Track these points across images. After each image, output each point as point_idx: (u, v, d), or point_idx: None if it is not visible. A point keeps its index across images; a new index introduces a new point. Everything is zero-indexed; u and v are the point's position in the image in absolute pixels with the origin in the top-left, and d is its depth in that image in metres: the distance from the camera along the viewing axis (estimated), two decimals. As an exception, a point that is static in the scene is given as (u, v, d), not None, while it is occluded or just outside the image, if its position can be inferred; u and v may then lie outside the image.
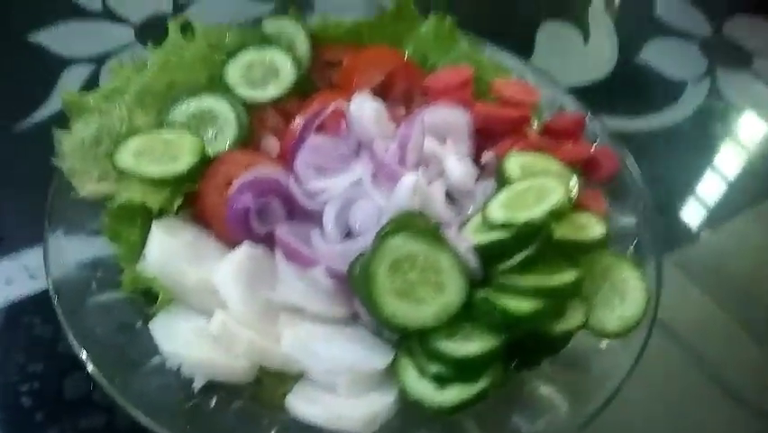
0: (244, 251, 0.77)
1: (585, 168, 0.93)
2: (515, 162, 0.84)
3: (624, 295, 0.78)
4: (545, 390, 0.74)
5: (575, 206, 0.82)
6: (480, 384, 0.69)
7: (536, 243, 0.72)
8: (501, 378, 0.71)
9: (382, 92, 0.98)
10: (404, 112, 0.94)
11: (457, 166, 0.83)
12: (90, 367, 0.67)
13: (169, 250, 0.77)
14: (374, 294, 0.70)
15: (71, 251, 0.77)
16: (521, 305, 0.69)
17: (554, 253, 0.75)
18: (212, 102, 0.91)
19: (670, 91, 1.32)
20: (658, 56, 1.41)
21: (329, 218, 0.79)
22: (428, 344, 0.70)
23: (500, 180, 0.83)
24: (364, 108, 0.85)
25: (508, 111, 0.94)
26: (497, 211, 0.76)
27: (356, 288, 0.72)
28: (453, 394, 0.69)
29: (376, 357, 0.72)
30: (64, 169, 0.82)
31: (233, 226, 0.79)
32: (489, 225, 0.76)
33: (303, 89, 0.97)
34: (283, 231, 0.77)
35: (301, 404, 0.70)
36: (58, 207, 0.79)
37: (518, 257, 0.73)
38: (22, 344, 0.84)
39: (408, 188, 0.77)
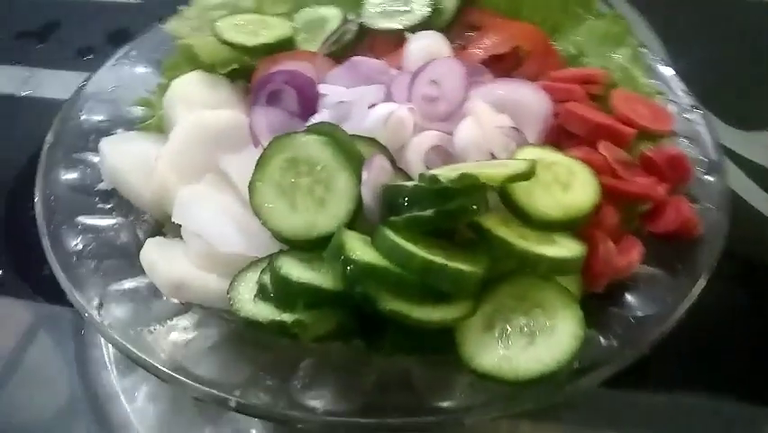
0: (228, 113, 0.78)
1: (648, 213, 0.70)
2: (527, 153, 0.67)
3: (534, 341, 0.56)
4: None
5: (584, 234, 0.63)
6: (286, 316, 0.58)
7: (432, 206, 0.57)
8: (325, 331, 0.59)
9: (513, 67, 0.88)
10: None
11: (465, 132, 0.70)
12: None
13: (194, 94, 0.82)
14: (256, 177, 0.64)
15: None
16: (362, 251, 0.56)
17: (486, 247, 0.59)
18: (330, 12, 0.94)
19: None
20: None
21: (316, 119, 0.75)
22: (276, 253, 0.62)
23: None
24: (417, 41, 0.78)
25: (599, 118, 0.76)
26: (441, 169, 0.63)
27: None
28: (258, 310, 0.59)
29: (232, 243, 0.66)
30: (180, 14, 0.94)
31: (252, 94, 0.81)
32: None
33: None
34: (257, 112, 0.76)
35: (150, 246, 0.69)
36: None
37: (409, 212, 0.59)
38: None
39: (379, 116, 0.69)
